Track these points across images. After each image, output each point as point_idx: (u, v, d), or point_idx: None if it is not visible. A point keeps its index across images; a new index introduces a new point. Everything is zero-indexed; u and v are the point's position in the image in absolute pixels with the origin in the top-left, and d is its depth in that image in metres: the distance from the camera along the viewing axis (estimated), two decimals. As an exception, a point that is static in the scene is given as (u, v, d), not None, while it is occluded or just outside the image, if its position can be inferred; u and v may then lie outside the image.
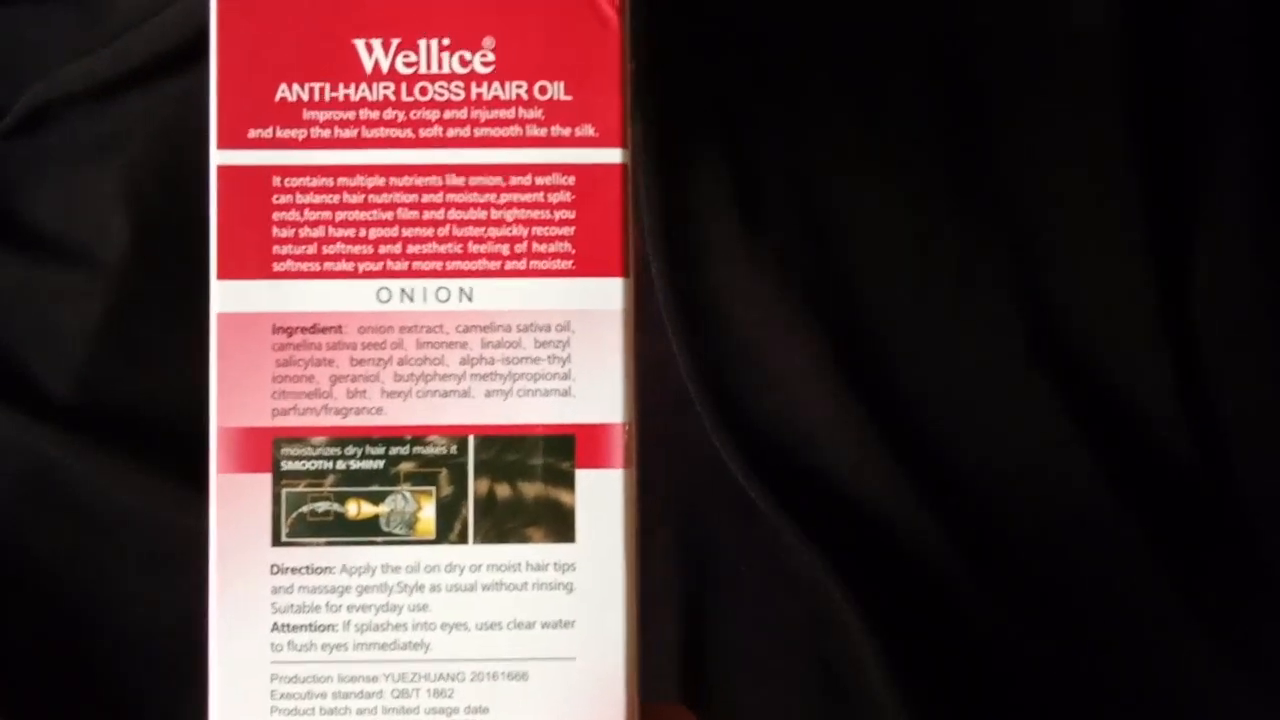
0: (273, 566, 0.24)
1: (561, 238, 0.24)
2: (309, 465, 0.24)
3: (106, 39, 0.37)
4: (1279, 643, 0.37)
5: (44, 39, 0.38)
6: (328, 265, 0.24)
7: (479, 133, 0.24)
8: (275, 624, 0.24)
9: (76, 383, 0.36)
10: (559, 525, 0.24)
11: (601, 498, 0.24)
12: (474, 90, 0.24)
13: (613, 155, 0.24)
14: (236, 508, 0.24)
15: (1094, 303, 0.36)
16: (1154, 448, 0.37)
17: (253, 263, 0.24)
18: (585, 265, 0.24)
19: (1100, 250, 0.36)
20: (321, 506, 0.24)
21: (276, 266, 0.24)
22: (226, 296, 0.24)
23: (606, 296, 0.24)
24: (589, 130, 0.24)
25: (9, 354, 0.37)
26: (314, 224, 0.24)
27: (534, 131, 0.24)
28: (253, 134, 0.24)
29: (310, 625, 0.24)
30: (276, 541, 0.24)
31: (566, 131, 0.24)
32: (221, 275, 0.24)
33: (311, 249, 0.24)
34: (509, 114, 0.24)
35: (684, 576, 0.37)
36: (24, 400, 0.36)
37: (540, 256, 0.24)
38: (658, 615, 0.36)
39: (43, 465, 0.36)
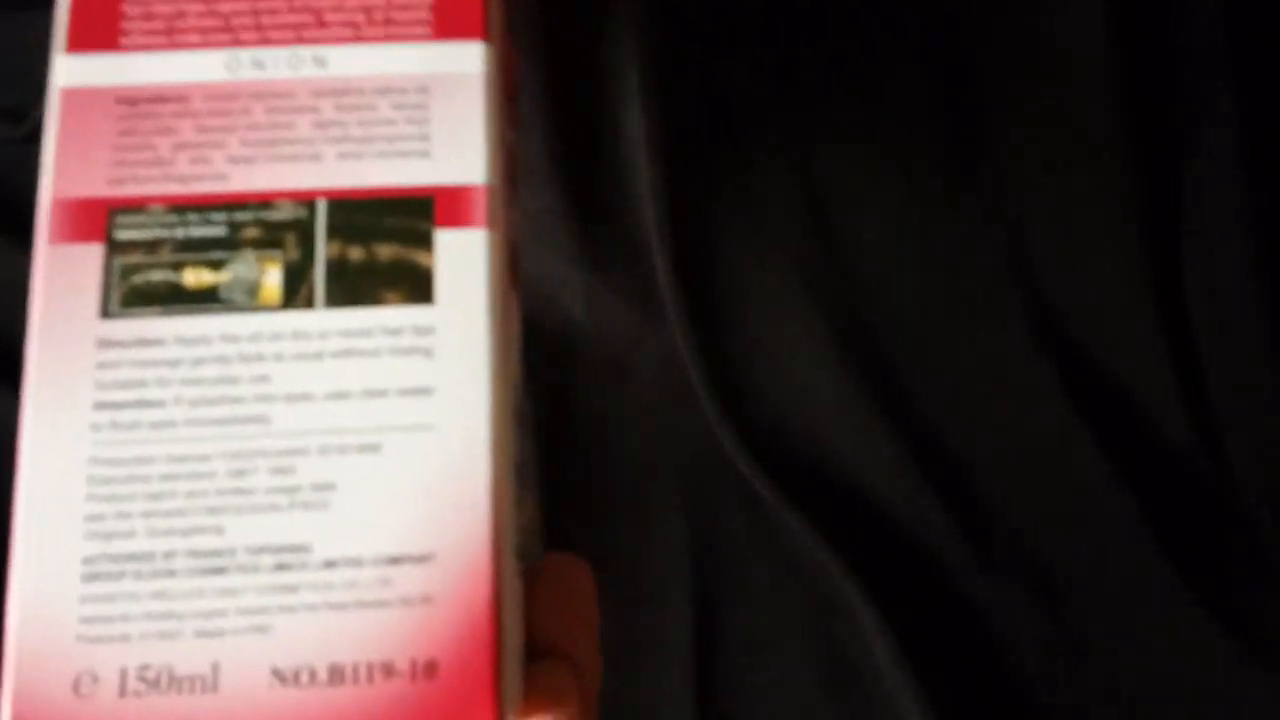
0: (99, 341, 0.22)
1: (420, 5, 0.23)
2: (145, 234, 0.22)
3: None
4: (1276, 619, 0.36)
5: None
6: (177, 38, 0.23)
7: None
8: (98, 402, 0.21)
9: None
10: (416, 287, 0.22)
11: (463, 258, 0.22)
12: None
13: None
14: (63, 280, 0.22)
15: (1092, 291, 0.37)
16: (1154, 434, 0.37)
17: (101, 36, 0.23)
18: (445, 30, 0.23)
19: (1096, 239, 0.37)
20: (157, 275, 0.22)
21: (124, 40, 0.23)
22: (72, 71, 0.23)
23: (467, 60, 0.23)
24: None
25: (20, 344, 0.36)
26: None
27: None
28: None
29: (137, 402, 0.21)
30: (105, 314, 0.22)
31: None
32: (69, 49, 0.23)
33: (161, 24, 0.23)
34: None
35: (692, 564, 0.36)
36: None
37: (398, 24, 0.23)
38: (667, 604, 0.36)
39: None
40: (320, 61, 0.23)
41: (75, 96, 0.23)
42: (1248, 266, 0.37)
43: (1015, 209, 0.37)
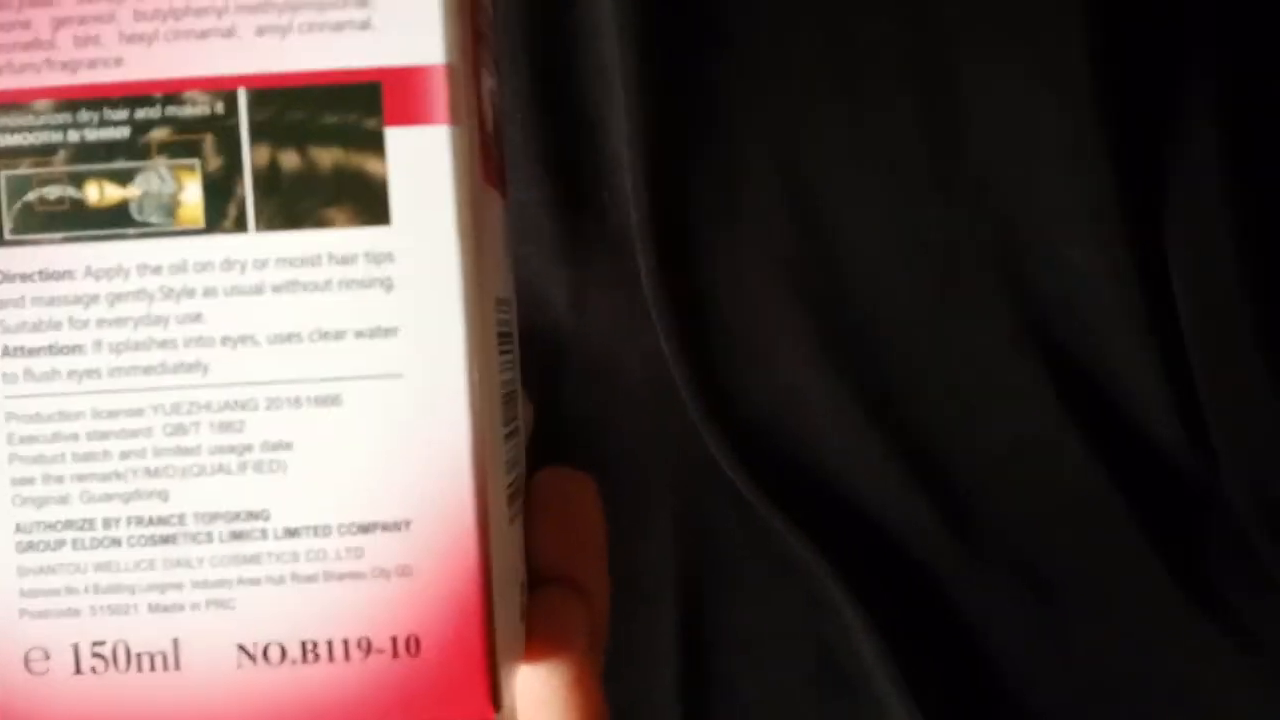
0: (-4, 274, 0.18)
1: None
2: (32, 139, 0.18)
3: None
4: (1264, 616, 0.36)
5: None
6: None
7: None
8: (5, 348, 0.18)
9: None
10: (368, 203, 0.18)
11: (423, 164, 0.18)
12: None
13: None
14: (-58, 199, 0.18)
15: (1079, 289, 0.36)
16: (1142, 432, 0.36)
17: None
18: None
19: (1083, 237, 0.36)
20: (53, 192, 0.18)
21: None
22: None
23: None
24: None
25: None
26: None
27: None
28: None
29: (51, 347, 0.18)
30: None
31: None
32: None
33: None
34: None
35: (681, 565, 0.36)
36: None
37: None
38: (657, 603, 0.36)
39: None
40: (224, -102, 0.18)
41: None
42: (1235, 263, 0.36)
43: (1002, 206, 0.35)
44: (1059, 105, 0.35)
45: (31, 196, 0.18)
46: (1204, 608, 0.36)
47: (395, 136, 0.18)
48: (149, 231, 0.18)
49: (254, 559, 0.18)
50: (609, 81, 0.34)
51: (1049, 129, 0.35)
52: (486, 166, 0.20)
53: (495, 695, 0.18)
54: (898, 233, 0.36)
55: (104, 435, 0.18)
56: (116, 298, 0.18)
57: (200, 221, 0.18)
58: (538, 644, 0.20)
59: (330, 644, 0.18)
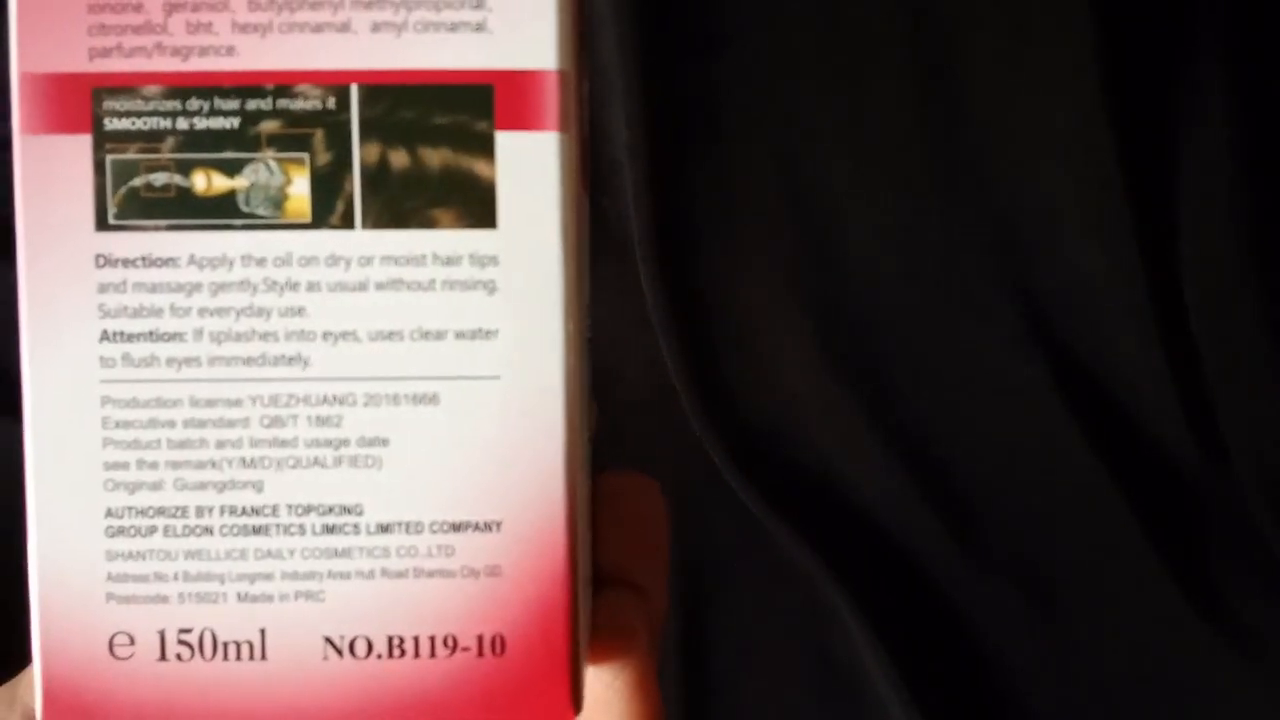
0: (98, 258, 0.18)
1: None
2: (141, 124, 0.18)
3: None
4: (1273, 623, 0.36)
5: None
6: None
7: None
8: (105, 332, 0.18)
9: None
10: (475, 206, 0.18)
11: (531, 169, 0.18)
12: None
13: None
14: (47, 181, 0.18)
15: (1083, 289, 0.36)
16: (1147, 434, 0.36)
17: None
18: None
19: (1088, 237, 0.35)
20: (160, 178, 0.18)
21: None
22: None
23: None
24: None
25: (5, 362, 0.33)
26: None
27: None
28: None
29: (151, 334, 0.18)
30: (102, 225, 0.18)
31: None
32: None
33: None
34: None
35: (681, 570, 0.36)
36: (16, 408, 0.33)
37: None
38: None
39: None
40: (345, -108, 0.18)
41: None
42: (1244, 261, 0.36)
43: (1005, 206, 0.35)
44: (1063, 103, 0.35)
45: (138, 182, 0.18)
46: (1207, 611, 0.36)
47: (505, 140, 0.18)
48: (255, 223, 0.18)
49: (345, 553, 0.19)
50: (608, 85, 0.34)
51: (1053, 127, 0.35)
52: (583, 171, 0.20)
53: (577, 697, 0.19)
54: (899, 234, 0.35)
55: (201, 424, 0.18)
56: (220, 287, 0.18)
57: (307, 215, 0.18)
58: (602, 645, 0.20)
59: (416, 640, 0.19)
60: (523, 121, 0.18)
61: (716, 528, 0.36)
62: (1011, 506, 0.36)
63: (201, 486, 0.18)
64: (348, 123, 0.18)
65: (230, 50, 0.18)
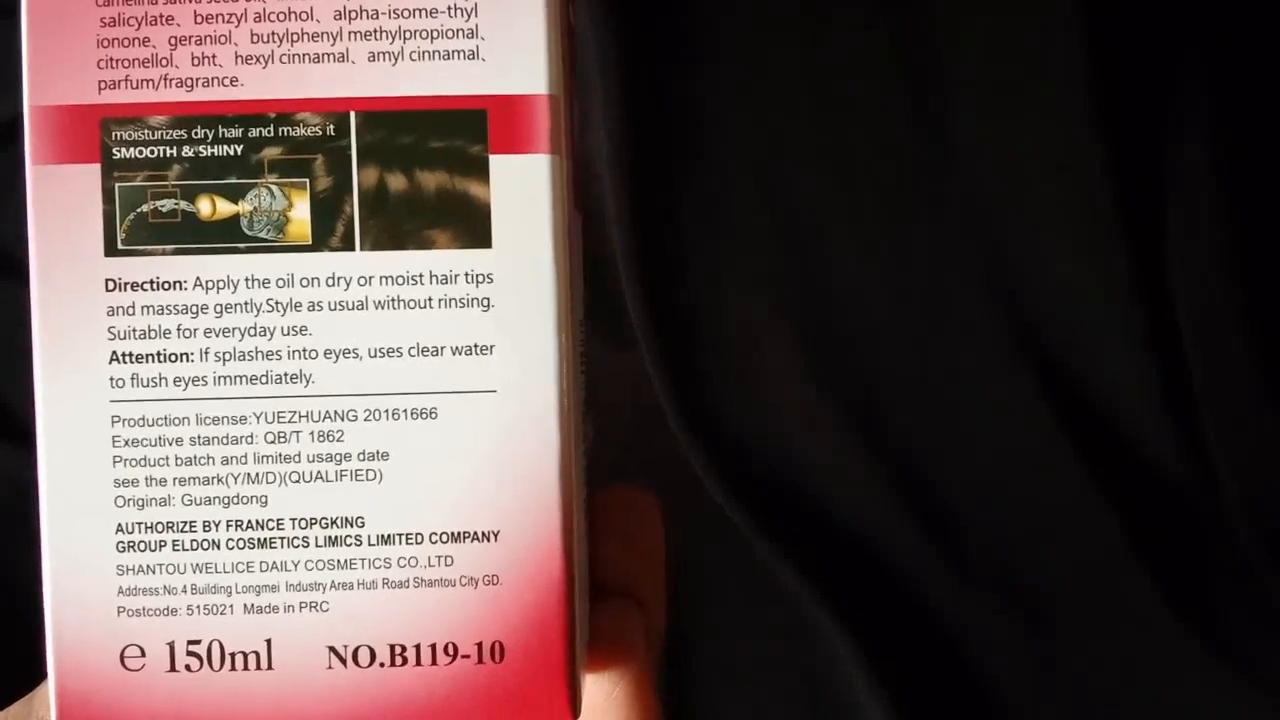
0: (108, 282, 0.19)
1: None
2: (148, 152, 0.19)
3: None
4: (1262, 642, 0.35)
5: None
6: None
7: None
8: (114, 353, 0.19)
9: None
10: (470, 226, 0.19)
11: (524, 191, 0.19)
12: None
13: None
14: (58, 208, 0.19)
15: (1072, 303, 0.35)
16: (1137, 449, 0.35)
17: None
18: None
19: (1076, 250, 0.35)
20: (166, 205, 0.19)
21: None
22: None
23: None
24: None
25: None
26: None
27: None
28: None
29: (159, 354, 0.19)
30: (111, 250, 0.19)
31: None
32: None
33: None
34: None
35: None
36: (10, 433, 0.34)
37: None
38: None
39: (13, 493, 0.34)
40: (341, -72, 0.19)
41: None
42: (1233, 277, 0.35)
43: (992, 221, 0.35)
44: (1050, 118, 0.35)
45: (145, 208, 0.19)
46: (1199, 631, 0.36)
47: (499, 163, 0.19)
48: (258, 246, 0.19)
49: (348, 564, 0.19)
50: (588, 99, 0.34)
51: (1040, 141, 0.35)
52: (575, 189, 0.20)
53: (574, 702, 0.19)
54: (885, 247, 0.35)
55: (207, 440, 0.19)
56: (224, 308, 0.19)
57: (308, 238, 0.19)
58: (601, 653, 0.21)
59: (418, 648, 0.19)
60: (515, 145, 0.19)
61: (701, 545, 0.35)
62: (999, 523, 0.36)
63: (208, 501, 0.19)
64: (347, 148, 0.19)
65: (233, 81, 0.19)
